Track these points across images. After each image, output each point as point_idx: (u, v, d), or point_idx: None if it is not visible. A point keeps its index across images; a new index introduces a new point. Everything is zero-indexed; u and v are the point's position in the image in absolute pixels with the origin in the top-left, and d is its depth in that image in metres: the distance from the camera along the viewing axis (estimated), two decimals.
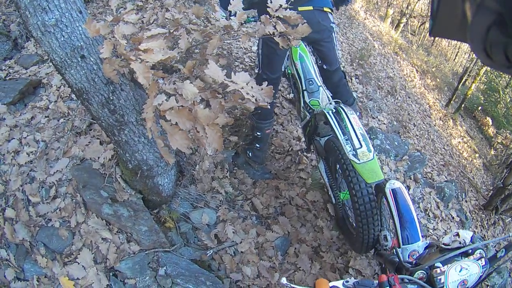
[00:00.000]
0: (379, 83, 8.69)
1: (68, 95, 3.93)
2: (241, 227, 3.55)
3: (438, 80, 17.12)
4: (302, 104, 3.72)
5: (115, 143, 2.83)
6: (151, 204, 3.26)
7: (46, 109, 3.82)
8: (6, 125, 3.59)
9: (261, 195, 3.95)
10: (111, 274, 2.85)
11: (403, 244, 2.79)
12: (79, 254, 2.85)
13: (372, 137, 5.48)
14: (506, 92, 17.30)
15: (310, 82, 3.62)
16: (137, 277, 2.86)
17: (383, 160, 5.25)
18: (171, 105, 1.79)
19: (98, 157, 3.27)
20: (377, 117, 6.66)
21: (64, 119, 3.67)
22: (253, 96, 1.82)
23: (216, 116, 1.85)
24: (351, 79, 7.37)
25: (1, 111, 3.70)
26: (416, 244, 2.77)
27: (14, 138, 3.48)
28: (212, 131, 1.84)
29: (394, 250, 2.76)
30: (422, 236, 2.86)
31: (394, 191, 2.98)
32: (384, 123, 6.64)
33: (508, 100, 17.24)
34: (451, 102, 15.60)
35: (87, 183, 3.10)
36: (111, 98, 2.47)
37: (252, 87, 1.84)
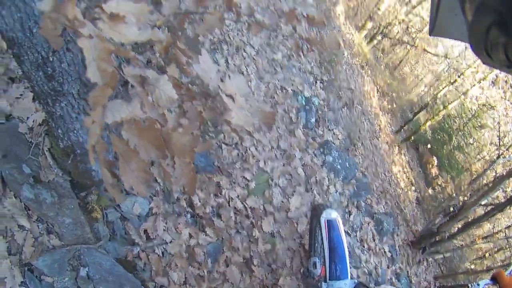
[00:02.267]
0: (340, 92, 8.69)
1: None
2: (173, 225, 3.31)
3: (394, 105, 17.57)
4: None
5: (47, 113, 2.32)
6: (79, 186, 2.84)
7: None
8: None
9: (200, 190, 3.72)
10: (26, 269, 2.46)
11: (329, 279, 2.74)
12: None
13: (326, 152, 5.42)
14: (456, 137, 18.08)
15: None
16: (55, 276, 2.52)
17: (331, 179, 5.21)
18: (133, 114, 1.24)
19: (27, 118, 2.72)
20: (333, 130, 6.62)
21: (0, 56, 3.01)
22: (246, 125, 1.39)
23: (195, 144, 1.36)
24: (316, 82, 7.28)
25: None
26: (343, 282, 2.73)
27: None
28: (184, 164, 1.36)
29: (320, 283, 2.70)
30: (351, 276, 2.82)
31: (329, 222, 2.94)
32: (338, 138, 6.65)
33: (456, 144, 18.02)
34: (402, 130, 16.03)
35: (9, 152, 2.59)
36: (51, 59, 1.92)
37: (250, 105, 1.41)
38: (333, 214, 3.05)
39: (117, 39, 1.21)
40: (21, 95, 2.80)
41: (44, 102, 2.17)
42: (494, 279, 3.20)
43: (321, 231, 3.02)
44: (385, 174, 9.78)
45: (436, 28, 0.87)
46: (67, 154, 2.55)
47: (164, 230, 3.20)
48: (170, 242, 3.18)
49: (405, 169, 13.86)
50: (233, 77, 1.44)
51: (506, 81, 15.32)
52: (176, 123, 1.39)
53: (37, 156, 2.67)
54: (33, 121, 2.70)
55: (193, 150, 1.35)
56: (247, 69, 5.42)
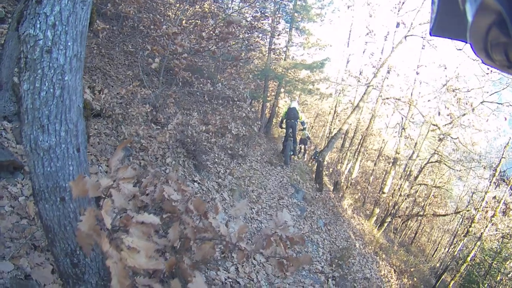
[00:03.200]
0: (355, 285, 8.59)
1: None
2: None
3: (415, 279, 16.96)
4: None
5: None
6: None
7: (15, 199, 3.54)
8: None
9: None
10: None
11: None
12: None
13: None
14: (485, 282, 17.03)
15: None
16: None
17: None
18: None
19: (44, 285, 2.92)
20: None
21: (27, 221, 3.40)
22: None
23: None
24: (328, 280, 7.30)
25: None
26: None
27: None
28: None
29: None
30: None
31: None
32: None
33: None
34: None
35: None
36: (77, 252, 2.28)
37: None
38: None
39: (132, 264, 1.65)
40: (41, 263, 3.07)
41: (66, 281, 2.43)
42: None
43: None
44: None
45: (436, 28, 0.89)
46: None
47: None
48: None
49: None
50: None
51: None
52: None
53: None
54: None
55: None
56: (256, 276, 5.56)
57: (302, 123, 14.45)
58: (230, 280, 4.78)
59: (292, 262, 2.16)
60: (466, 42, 0.71)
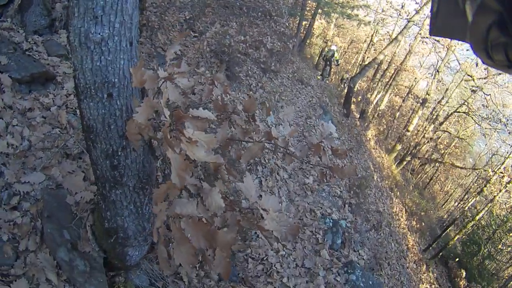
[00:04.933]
0: (368, 216, 8.79)
1: (74, 108, 3.68)
2: None
3: (423, 224, 17.28)
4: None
5: (100, 195, 2.58)
6: (110, 265, 3.01)
7: (48, 109, 3.57)
8: (2, 100, 3.31)
9: None
10: None
11: None
12: (15, 280, 2.52)
13: (349, 271, 5.43)
14: (486, 246, 17.41)
15: None
16: None
17: None
18: (192, 212, 1.62)
19: (76, 193, 3.02)
20: (358, 251, 6.63)
21: (59, 131, 3.43)
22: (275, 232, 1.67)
23: (234, 242, 1.65)
24: (345, 205, 7.47)
25: (5, 82, 3.45)
26: None
27: (2, 119, 3.20)
28: (222, 256, 1.64)
29: None
30: None
31: None
32: (363, 258, 6.62)
33: (486, 254, 17.33)
34: (430, 248, 15.62)
35: (54, 214, 2.85)
36: (119, 153, 2.23)
37: (280, 219, 1.69)
38: None
39: (192, 157, 1.63)
40: (73, 171, 3.16)
41: (102, 185, 2.44)
42: None
43: None
44: None
45: (436, 28, 0.88)
46: (109, 235, 2.75)
47: None
48: None
49: (433, 286, 13.30)
50: (268, 196, 1.74)
51: None
52: (221, 225, 1.74)
53: (79, 227, 2.90)
54: (81, 197, 3.00)
55: (231, 247, 1.65)
56: (279, 191, 5.69)
57: (337, 61, 18.40)
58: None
59: (337, 173, 2.14)
60: (466, 42, 0.70)
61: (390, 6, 20.54)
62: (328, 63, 17.96)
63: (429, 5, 16.07)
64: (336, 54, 17.89)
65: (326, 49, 19.98)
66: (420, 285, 11.27)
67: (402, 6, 20.02)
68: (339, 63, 19.66)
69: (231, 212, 1.84)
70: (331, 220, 6.44)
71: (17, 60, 3.69)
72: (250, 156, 2.07)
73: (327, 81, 18.32)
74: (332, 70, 19.55)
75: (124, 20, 1.94)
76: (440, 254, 16.46)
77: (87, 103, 2.05)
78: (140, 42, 5.43)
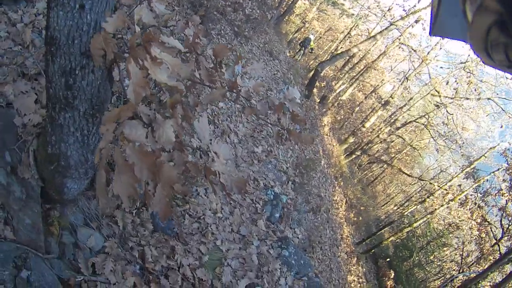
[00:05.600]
0: (309, 197, 8.95)
1: (40, 28, 3.53)
2: (121, 269, 3.28)
3: (360, 218, 17.83)
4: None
5: (49, 117, 2.41)
6: (47, 196, 2.88)
7: (13, 25, 3.39)
8: None
9: (155, 248, 3.74)
10: None
11: None
12: None
13: (283, 246, 5.51)
14: (418, 254, 18.29)
15: None
16: None
17: (283, 272, 5.25)
18: (140, 138, 1.51)
19: (25, 114, 2.86)
20: (294, 229, 6.75)
21: (21, 48, 3.26)
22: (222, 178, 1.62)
23: (177, 181, 1.56)
24: (289, 182, 7.57)
25: None
26: None
27: None
28: (163, 194, 1.53)
29: None
30: None
31: None
32: (298, 237, 6.76)
33: (416, 262, 18.19)
34: (363, 242, 16.18)
35: None
36: (77, 72, 2.06)
37: (229, 169, 1.65)
38: None
39: (153, 77, 1.55)
40: (26, 91, 2.98)
41: (52, 106, 2.28)
42: None
43: None
44: (339, 281, 9.79)
45: (436, 28, 0.89)
46: (50, 161, 2.60)
47: (111, 270, 3.17)
48: (114, 284, 3.14)
49: (361, 280, 13.83)
50: (221, 144, 1.69)
51: (475, 203, 15.86)
52: (167, 161, 1.63)
53: (21, 151, 2.75)
54: (29, 120, 2.84)
55: (173, 184, 1.55)
56: None
57: (311, 49, 20.07)
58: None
59: (293, 137, 2.13)
60: (466, 42, 0.72)
61: (377, 6, 20.80)
62: (303, 48, 19.22)
63: (415, 15, 16.74)
64: (312, 43, 19.39)
65: (304, 36, 21.57)
66: (348, 276, 11.65)
67: (389, 9, 20.32)
68: (313, 51, 21.45)
69: (179, 153, 1.78)
70: (273, 193, 6.49)
71: None
72: (211, 99, 2.01)
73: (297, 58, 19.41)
74: (304, 55, 20.67)
75: None
76: (372, 251, 17.16)
77: (57, 11, 1.89)
78: None
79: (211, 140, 1.65)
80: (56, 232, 2.96)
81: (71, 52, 1.99)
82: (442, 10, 0.84)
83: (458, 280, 15.76)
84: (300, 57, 19.67)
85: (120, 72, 2.02)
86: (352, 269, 12.93)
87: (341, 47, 24.02)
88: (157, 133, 1.59)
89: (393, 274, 18.74)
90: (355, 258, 14.21)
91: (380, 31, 16.73)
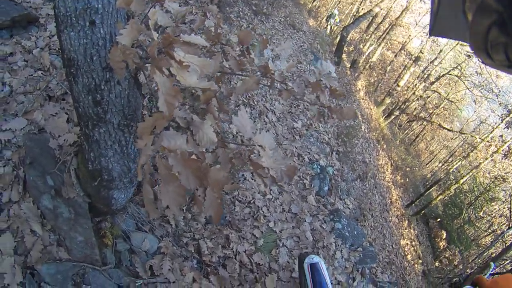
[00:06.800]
0: (354, 165, 8.85)
1: (57, 49, 3.50)
2: (179, 266, 3.34)
3: (407, 180, 17.56)
4: None
5: (83, 135, 2.38)
6: (95, 210, 2.91)
7: (29, 52, 3.40)
8: None
9: (209, 240, 3.78)
10: (28, 272, 2.51)
11: None
12: (0, 236, 2.47)
13: (335, 219, 5.47)
14: (467, 211, 17.89)
15: None
16: (55, 286, 2.55)
17: (338, 245, 5.21)
18: (181, 146, 1.45)
19: (59, 136, 2.87)
20: (344, 200, 6.68)
21: (42, 73, 3.27)
22: (272, 170, 1.56)
23: (226, 181, 1.50)
24: (332, 152, 7.47)
25: None
26: None
27: None
28: (213, 196, 1.49)
29: None
30: None
31: (312, 266, 3.02)
32: (349, 208, 6.68)
33: (466, 219, 17.82)
34: (413, 204, 15.94)
35: (36, 160, 2.73)
36: (102, 87, 2.03)
37: (276, 158, 1.58)
38: (315, 259, 3.13)
39: (183, 82, 1.47)
40: (56, 113, 3.00)
41: (85, 124, 2.25)
42: (475, 285, 3.20)
43: (305, 276, 3.09)
44: (392, 246, 9.68)
45: (436, 28, 0.90)
46: (93, 177, 2.59)
47: (169, 269, 3.22)
48: (173, 282, 3.19)
49: (414, 243, 13.66)
50: (264, 133, 1.63)
51: None
52: (212, 163, 1.60)
53: (62, 172, 2.76)
54: (64, 140, 2.85)
55: (222, 187, 1.51)
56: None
57: (338, 21, 20.82)
58: (241, 134, 4.83)
59: (335, 113, 2.04)
60: (466, 42, 0.72)
61: None
62: (330, 23, 19.98)
63: None
64: (337, 17, 20.28)
65: (329, 12, 22.11)
66: (401, 240, 11.53)
67: None
68: (340, 22, 22.49)
69: (223, 149, 1.72)
70: (319, 166, 6.45)
71: None
72: (245, 89, 1.91)
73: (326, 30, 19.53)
74: (332, 30, 20.92)
75: None
76: (422, 212, 16.87)
77: (68, 33, 1.85)
78: None
79: (253, 132, 1.59)
80: (110, 243, 3.02)
81: (92, 69, 1.95)
82: (442, 10, 0.84)
83: (509, 235, 15.31)
84: (328, 31, 19.51)
85: (145, 76, 1.98)
86: (404, 232, 12.78)
87: (362, 9, 23.39)
88: (197, 136, 1.55)
89: (445, 234, 18.47)
90: (406, 221, 14.03)
91: None
